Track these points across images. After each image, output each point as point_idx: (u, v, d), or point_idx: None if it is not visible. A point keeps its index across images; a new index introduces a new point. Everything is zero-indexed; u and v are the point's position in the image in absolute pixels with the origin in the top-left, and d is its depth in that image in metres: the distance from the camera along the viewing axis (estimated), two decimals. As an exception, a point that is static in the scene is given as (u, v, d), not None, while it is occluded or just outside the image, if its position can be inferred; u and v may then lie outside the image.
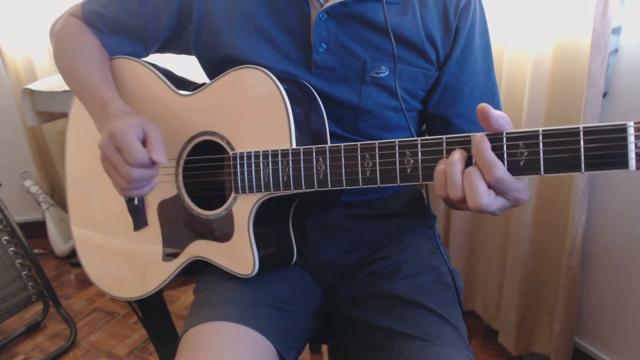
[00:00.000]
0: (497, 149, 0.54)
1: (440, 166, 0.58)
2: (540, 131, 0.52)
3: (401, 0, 0.77)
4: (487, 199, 0.55)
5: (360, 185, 0.64)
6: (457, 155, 0.56)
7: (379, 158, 0.62)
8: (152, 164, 0.70)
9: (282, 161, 0.69)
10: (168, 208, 0.84)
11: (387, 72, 0.78)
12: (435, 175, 0.58)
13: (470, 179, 0.55)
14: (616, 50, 1.16)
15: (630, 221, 1.20)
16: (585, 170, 0.50)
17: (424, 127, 0.92)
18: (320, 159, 0.66)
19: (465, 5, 0.78)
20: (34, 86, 1.77)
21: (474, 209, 0.56)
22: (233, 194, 0.75)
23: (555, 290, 1.36)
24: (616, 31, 1.14)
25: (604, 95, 1.17)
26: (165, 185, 0.82)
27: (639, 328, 1.24)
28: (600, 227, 1.28)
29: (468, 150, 0.57)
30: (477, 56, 0.81)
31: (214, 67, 0.83)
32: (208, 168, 0.79)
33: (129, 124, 0.70)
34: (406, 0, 0.77)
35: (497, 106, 0.85)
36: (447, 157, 0.58)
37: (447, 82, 0.81)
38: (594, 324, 1.36)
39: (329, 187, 0.66)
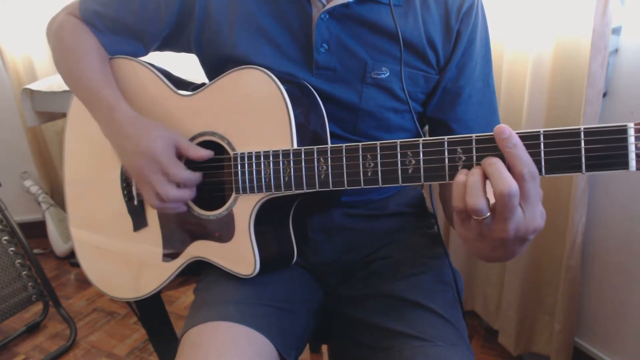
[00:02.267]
0: (497, 149, 0.54)
1: (459, 177, 0.56)
2: (542, 132, 0.52)
3: (403, 3, 0.77)
4: (515, 184, 0.51)
5: (362, 185, 0.64)
6: (478, 170, 0.55)
7: (381, 158, 0.62)
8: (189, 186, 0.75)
9: (283, 161, 0.69)
10: (168, 208, 0.84)
11: (387, 74, 0.78)
12: (455, 187, 0.56)
13: (494, 168, 0.53)
14: (616, 50, 1.16)
15: (630, 221, 1.20)
16: (586, 171, 0.50)
17: (426, 128, 0.92)
18: (321, 159, 0.66)
19: (468, 9, 0.78)
20: (34, 86, 1.77)
21: (501, 197, 0.51)
22: (234, 195, 0.75)
23: (555, 290, 1.36)
24: (616, 31, 1.14)
25: (604, 95, 1.17)
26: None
27: (639, 328, 1.24)
28: (600, 227, 1.28)
29: (469, 150, 0.56)
30: (477, 61, 0.81)
31: (215, 67, 0.83)
32: (208, 168, 0.79)
33: (164, 141, 0.73)
34: (408, 3, 0.77)
35: (494, 114, 0.85)
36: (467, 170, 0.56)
37: (446, 85, 0.81)
38: (594, 324, 1.36)
39: (331, 188, 0.66)
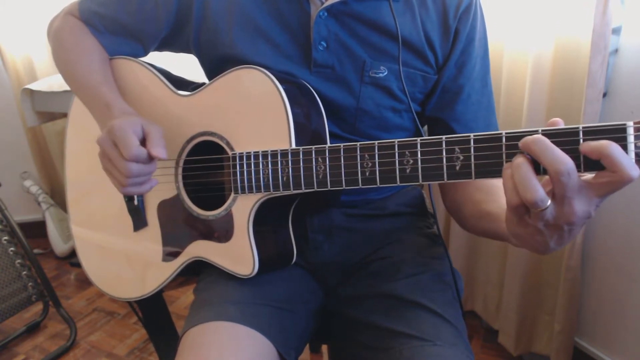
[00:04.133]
0: (495, 149, 0.54)
1: (507, 171, 0.51)
2: (540, 131, 0.52)
3: (401, 0, 0.77)
4: (570, 159, 0.47)
5: (360, 185, 0.64)
6: (521, 159, 0.50)
7: (379, 158, 0.62)
8: (150, 159, 0.70)
9: (281, 161, 0.69)
10: (168, 208, 0.84)
11: (385, 73, 0.78)
12: (505, 183, 0.52)
13: (542, 146, 0.48)
14: (616, 50, 1.16)
15: (630, 221, 1.20)
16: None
17: (425, 128, 0.92)
18: (319, 159, 0.66)
19: (466, 8, 0.78)
20: (34, 86, 1.77)
21: (559, 175, 0.47)
22: (232, 194, 0.75)
23: (555, 290, 1.36)
24: (616, 31, 1.13)
25: (604, 95, 1.17)
26: (164, 186, 0.82)
27: (639, 328, 1.23)
28: (600, 227, 1.28)
29: (467, 150, 0.56)
30: (476, 60, 0.81)
31: (214, 67, 0.83)
32: (207, 168, 0.79)
33: (128, 120, 0.70)
34: (406, 1, 0.77)
35: (492, 115, 0.85)
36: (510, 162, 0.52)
37: (445, 84, 0.81)
38: (594, 324, 1.36)
39: (329, 187, 0.66)
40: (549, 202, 0.49)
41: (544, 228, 0.52)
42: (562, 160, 0.47)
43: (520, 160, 0.50)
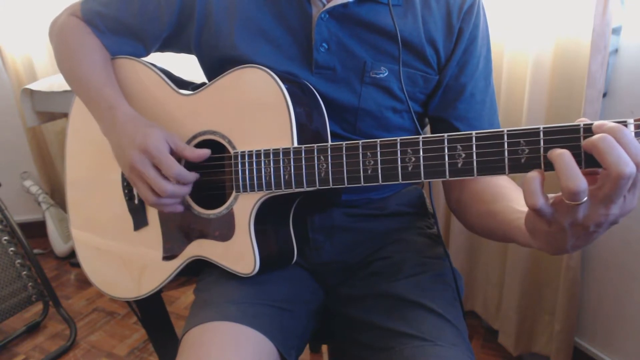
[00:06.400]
0: (497, 146, 0.54)
1: (532, 173, 0.51)
2: (541, 128, 0.52)
3: (402, 3, 0.77)
4: (584, 180, 0.47)
5: (362, 183, 0.64)
6: (562, 150, 0.49)
7: (381, 156, 0.62)
8: (185, 182, 0.74)
9: (283, 160, 0.69)
10: (169, 207, 0.84)
11: (386, 73, 0.78)
12: (526, 185, 0.51)
13: (612, 146, 0.46)
14: (616, 50, 1.16)
15: (630, 221, 1.20)
16: (586, 167, 0.50)
17: (426, 129, 0.92)
18: (321, 157, 0.66)
19: (469, 8, 0.78)
20: (34, 86, 1.77)
21: (620, 178, 0.46)
22: (234, 193, 0.75)
23: (555, 290, 1.36)
24: (616, 31, 1.14)
25: (604, 95, 1.17)
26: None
27: (639, 328, 1.24)
28: (600, 227, 1.28)
29: (469, 147, 0.56)
30: (479, 60, 0.81)
31: (215, 67, 0.83)
32: (209, 167, 0.79)
33: (158, 138, 0.73)
34: (407, 3, 0.78)
35: (495, 115, 0.85)
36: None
37: (448, 83, 0.81)
38: (594, 324, 1.36)
39: (331, 186, 0.66)
40: (586, 198, 0.48)
41: (568, 227, 0.51)
42: (626, 161, 0.46)
43: (562, 150, 0.49)
